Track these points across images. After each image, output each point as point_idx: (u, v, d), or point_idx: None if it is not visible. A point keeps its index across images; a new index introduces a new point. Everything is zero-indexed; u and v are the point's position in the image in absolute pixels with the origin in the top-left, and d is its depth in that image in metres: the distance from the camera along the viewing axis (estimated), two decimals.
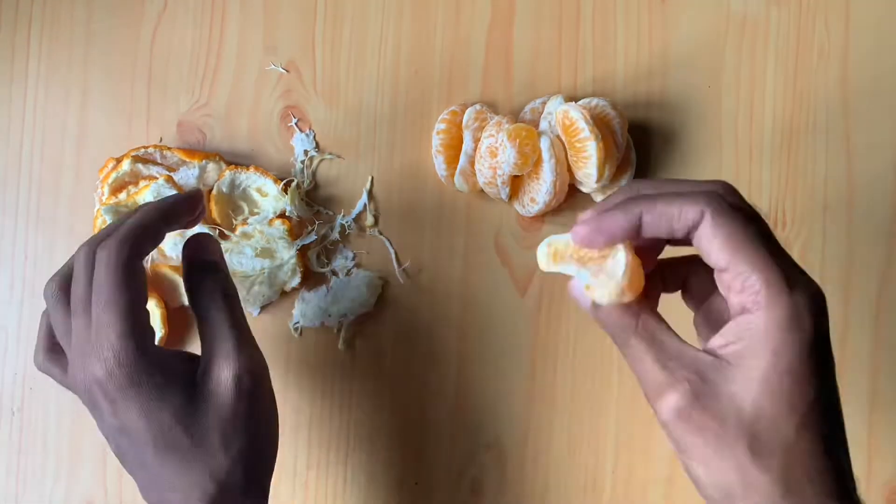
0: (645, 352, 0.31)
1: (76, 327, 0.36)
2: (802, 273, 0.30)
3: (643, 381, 0.31)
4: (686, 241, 0.31)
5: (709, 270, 0.32)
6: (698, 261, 0.33)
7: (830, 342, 0.30)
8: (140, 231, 0.37)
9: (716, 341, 0.30)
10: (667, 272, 0.35)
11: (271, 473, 0.40)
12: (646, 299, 0.32)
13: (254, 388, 0.37)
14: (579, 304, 0.33)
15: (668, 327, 0.31)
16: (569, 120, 0.44)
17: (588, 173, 0.44)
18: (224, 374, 0.37)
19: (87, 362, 0.35)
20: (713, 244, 0.30)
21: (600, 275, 0.32)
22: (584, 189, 0.46)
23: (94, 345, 0.35)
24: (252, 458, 0.37)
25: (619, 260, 0.31)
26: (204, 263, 0.40)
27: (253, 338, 0.39)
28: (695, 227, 0.30)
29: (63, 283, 0.38)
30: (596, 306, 0.32)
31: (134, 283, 0.36)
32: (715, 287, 0.32)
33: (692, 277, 0.35)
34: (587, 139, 0.43)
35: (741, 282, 0.29)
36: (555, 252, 0.34)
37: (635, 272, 0.31)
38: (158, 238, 0.38)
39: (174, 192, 0.46)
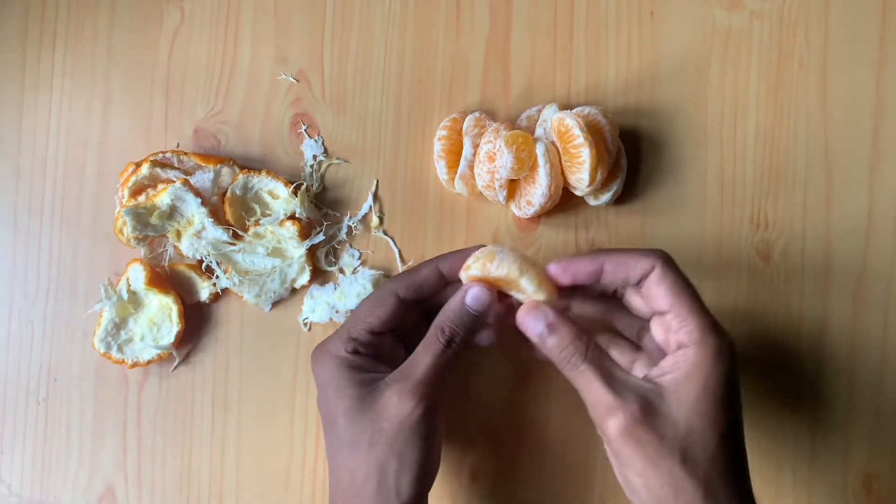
0: (594, 377, 0.36)
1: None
2: (720, 325, 0.36)
3: (591, 403, 0.36)
4: (635, 287, 0.39)
5: (634, 323, 0.41)
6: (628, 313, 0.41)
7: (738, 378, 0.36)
8: (411, 275, 0.43)
9: (654, 372, 0.36)
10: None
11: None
12: (589, 335, 0.37)
13: (422, 417, 0.39)
14: (529, 332, 0.38)
15: (610, 357, 0.37)
16: (564, 127, 0.44)
17: (581, 178, 0.45)
18: (394, 399, 0.39)
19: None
20: (660, 289, 0.37)
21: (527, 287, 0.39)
22: (577, 192, 0.47)
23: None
24: (409, 474, 0.39)
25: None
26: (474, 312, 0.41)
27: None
28: (646, 275, 0.37)
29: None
30: (546, 336, 0.37)
31: (379, 302, 0.42)
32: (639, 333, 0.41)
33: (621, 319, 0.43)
34: (581, 145, 0.44)
35: (679, 322, 0.36)
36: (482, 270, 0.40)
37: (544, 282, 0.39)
38: (426, 280, 0.42)
39: (191, 194, 0.47)
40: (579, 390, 0.37)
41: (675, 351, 0.36)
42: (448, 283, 0.43)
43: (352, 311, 0.43)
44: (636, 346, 0.42)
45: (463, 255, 0.42)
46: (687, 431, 0.34)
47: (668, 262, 0.38)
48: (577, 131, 0.44)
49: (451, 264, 0.42)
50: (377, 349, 0.42)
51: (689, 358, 0.35)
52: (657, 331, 0.39)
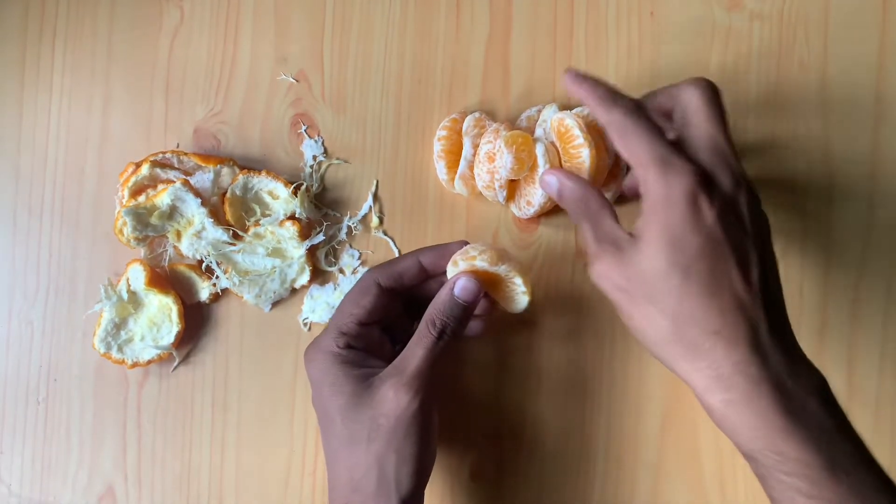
0: (588, 230, 0.39)
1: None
2: (678, 156, 0.36)
3: (587, 251, 0.40)
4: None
5: None
6: None
7: (707, 201, 0.36)
8: (392, 265, 0.44)
9: (636, 223, 0.38)
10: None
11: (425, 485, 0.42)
12: (597, 187, 0.41)
13: (418, 410, 0.40)
14: (549, 189, 0.41)
15: (610, 211, 0.39)
16: (564, 127, 0.45)
17: None
18: (390, 393, 0.40)
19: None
20: (618, 143, 0.38)
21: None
22: None
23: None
24: (407, 467, 0.40)
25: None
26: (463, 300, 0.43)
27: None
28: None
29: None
30: (561, 192, 0.41)
31: (365, 294, 0.43)
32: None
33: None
34: (581, 146, 0.44)
35: (636, 171, 0.37)
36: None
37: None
38: (408, 271, 0.44)
39: (191, 194, 0.47)
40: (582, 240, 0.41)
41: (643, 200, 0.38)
42: (429, 276, 0.44)
43: (336, 308, 0.43)
44: None
45: (443, 249, 0.43)
46: (652, 275, 0.36)
47: (631, 111, 0.38)
48: (576, 132, 0.44)
49: (431, 257, 0.44)
50: (367, 342, 0.43)
51: (645, 209, 0.37)
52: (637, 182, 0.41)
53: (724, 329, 0.35)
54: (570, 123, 0.44)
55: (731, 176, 0.37)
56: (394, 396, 0.39)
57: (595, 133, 0.45)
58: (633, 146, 0.37)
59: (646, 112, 0.38)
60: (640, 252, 0.36)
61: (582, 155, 0.44)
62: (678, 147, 0.37)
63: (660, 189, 0.36)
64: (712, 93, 0.38)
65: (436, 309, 0.41)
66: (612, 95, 0.39)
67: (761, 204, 0.38)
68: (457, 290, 0.41)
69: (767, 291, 0.36)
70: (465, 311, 0.42)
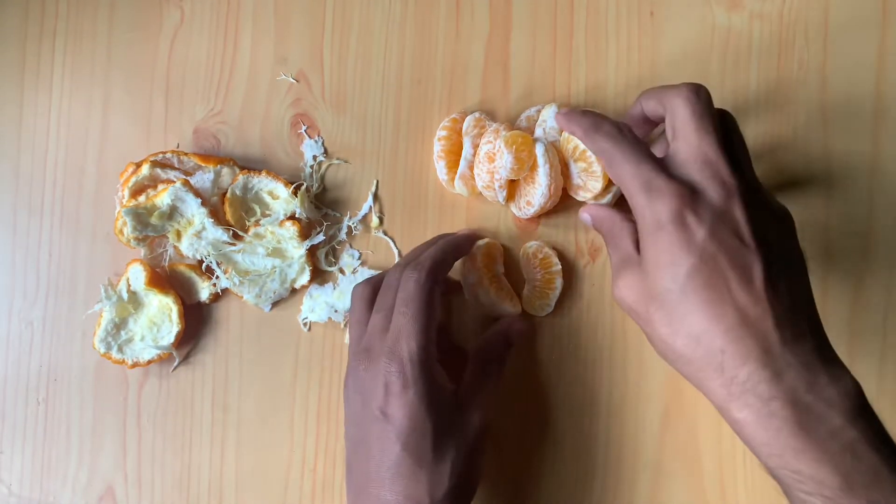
0: (610, 252, 0.41)
1: (374, 321, 0.42)
2: (662, 177, 0.36)
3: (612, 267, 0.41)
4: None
5: None
6: None
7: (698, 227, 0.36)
8: (441, 265, 0.43)
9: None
10: None
11: None
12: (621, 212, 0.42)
13: (485, 438, 0.42)
14: (589, 224, 0.44)
15: (628, 232, 0.40)
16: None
17: (594, 185, 0.45)
18: (476, 417, 0.41)
19: (374, 352, 0.40)
20: (608, 171, 0.40)
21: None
22: (579, 198, 0.47)
23: (389, 343, 0.40)
24: (463, 492, 0.40)
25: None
26: (510, 341, 0.47)
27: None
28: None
29: (370, 288, 0.44)
30: (594, 222, 0.44)
31: (434, 306, 0.41)
32: None
33: None
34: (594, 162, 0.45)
35: (627, 199, 0.38)
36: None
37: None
38: (450, 268, 0.45)
39: (191, 195, 0.47)
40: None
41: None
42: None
43: (412, 317, 0.41)
44: None
45: (461, 237, 0.47)
46: (657, 295, 0.36)
47: (614, 137, 0.39)
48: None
49: (462, 246, 0.46)
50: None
51: (639, 231, 0.38)
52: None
53: (729, 347, 0.34)
54: None
55: (722, 188, 0.36)
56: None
57: None
58: (618, 172, 0.38)
59: (630, 135, 0.39)
60: (644, 273, 0.37)
61: (595, 165, 0.45)
62: (663, 166, 0.37)
63: (647, 214, 0.36)
64: (700, 100, 0.37)
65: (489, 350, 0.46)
66: (596, 124, 0.39)
67: (772, 205, 0.38)
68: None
69: (781, 299, 0.35)
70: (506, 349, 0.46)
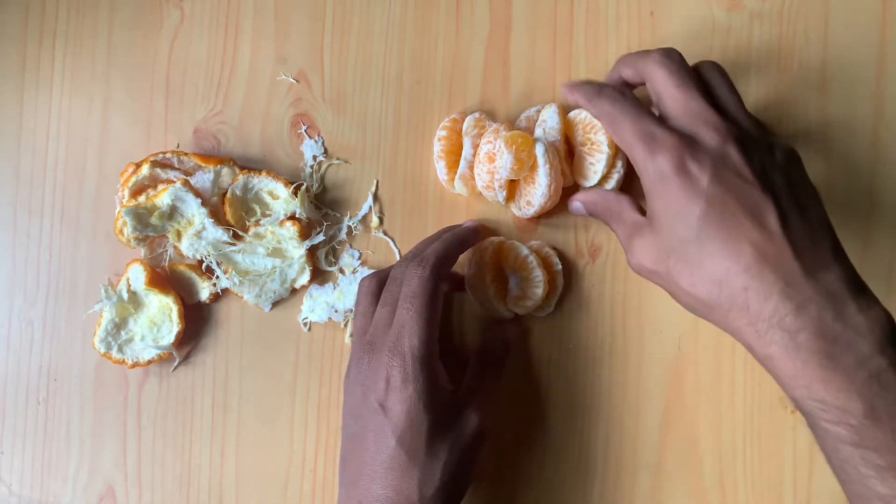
0: (617, 229, 0.42)
1: (379, 315, 0.42)
2: (661, 128, 0.38)
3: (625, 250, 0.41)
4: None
5: None
6: None
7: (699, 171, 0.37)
8: (445, 260, 0.43)
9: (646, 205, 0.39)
10: None
11: None
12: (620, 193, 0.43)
13: (482, 442, 0.42)
14: (580, 212, 0.45)
15: (628, 203, 0.41)
16: (581, 117, 0.46)
17: (598, 164, 0.46)
18: (473, 419, 0.41)
19: (377, 346, 0.41)
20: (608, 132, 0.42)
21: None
22: (585, 183, 0.47)
23: (392, 337, 0.40)
24: (452, 492, 0.40)
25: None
26: (509, 346, 0.47)
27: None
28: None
29: (376, 281, 0.45)
30: (587, 208, 0.44)
31: (437, 302, 0.41)
32: None
33: None
34: (601, 129, 0.45)
35: (629, 157, 0.39)
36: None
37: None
38: (454, 262, 0.45)
39: (191, 195, 0.47)
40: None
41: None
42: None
43: (416, 313, 0.41)
44: None
45: (467, 230, 0.47)
46: (672, 249, 0.37)
47: (615, 98, 0.40)
48: (598, 122, 0.46)
49: (467, 239, 0.46)
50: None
51: (644, 187, 0.38)
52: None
53: (752, 283, 0.35)
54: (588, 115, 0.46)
55: (716, 132, 0.37)
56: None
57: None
58: (620, 130, 0.39)
59: (630, 95, 0.40)
60: (656, 231, 0.38)
61: (601, 139, 0.45)
62: (661, 121, 0.38)
63: (650, 166, 0.37)
64: (673, 61, 0.39)
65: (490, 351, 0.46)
66: (597, 89, 0.41)
67: (773, 140, 0.38)
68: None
69: (796, 230, 0.35)
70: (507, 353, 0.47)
